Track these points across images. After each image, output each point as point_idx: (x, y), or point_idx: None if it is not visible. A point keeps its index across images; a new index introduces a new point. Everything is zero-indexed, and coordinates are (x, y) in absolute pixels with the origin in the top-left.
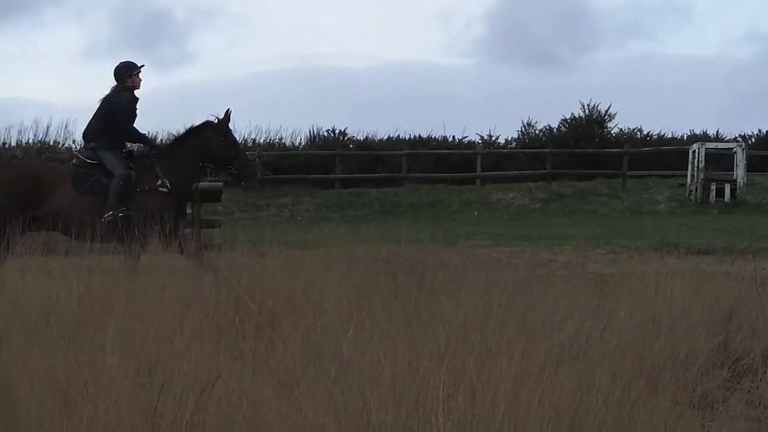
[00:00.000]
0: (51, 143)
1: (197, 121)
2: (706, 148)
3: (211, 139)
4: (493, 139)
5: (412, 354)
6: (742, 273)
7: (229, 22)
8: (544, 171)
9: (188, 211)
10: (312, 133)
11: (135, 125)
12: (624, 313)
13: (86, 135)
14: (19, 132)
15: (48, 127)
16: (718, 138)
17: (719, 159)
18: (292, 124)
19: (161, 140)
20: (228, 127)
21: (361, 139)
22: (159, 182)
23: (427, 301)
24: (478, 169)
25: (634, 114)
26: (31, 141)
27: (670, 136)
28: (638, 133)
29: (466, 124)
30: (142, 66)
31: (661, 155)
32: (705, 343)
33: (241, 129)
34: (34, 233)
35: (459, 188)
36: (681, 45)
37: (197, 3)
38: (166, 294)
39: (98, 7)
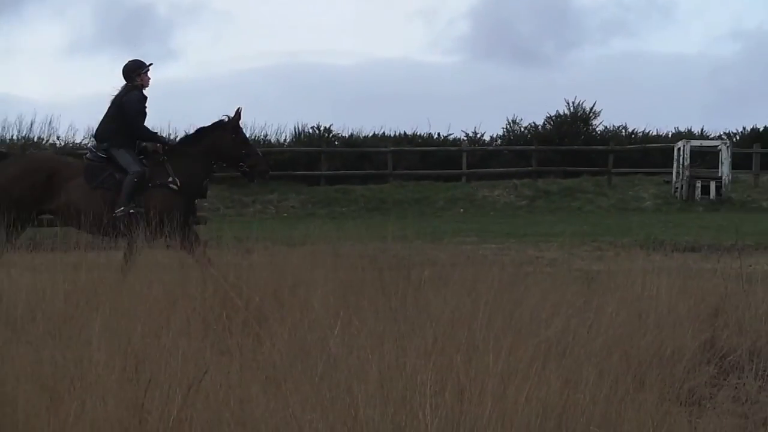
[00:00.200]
0: (35, 139)
1: (180, 118)
2: (691, 146)
3: (221, 137)
4: (479, 136)
5: (399, 350)
6: (728, 270)
7: (213, 18)
8: (529, 168)
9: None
10: (297, 130)
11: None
12: (611, 309)
13: (98, 135)
14: (3, 128)
15: (32, 124)
16: (702, 136)
17: (704, 156)
18: (276, 120)
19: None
20: (238, 124)
21: (347, 136)
22: (170, 179)
23: (414, 298)
24: (464, 166)
25: (618, 112)
26: (15, 137)
27: (655, 133)
28: (623, 130)
29: (451, 122)
30: (151, 64)
31: (646, 153)
32: (692, 340)
33: None
34: (39, 228)
35: (445, 185)
36: (665, 43)
37: None
38: (153, 290)
39: (80, 4)
